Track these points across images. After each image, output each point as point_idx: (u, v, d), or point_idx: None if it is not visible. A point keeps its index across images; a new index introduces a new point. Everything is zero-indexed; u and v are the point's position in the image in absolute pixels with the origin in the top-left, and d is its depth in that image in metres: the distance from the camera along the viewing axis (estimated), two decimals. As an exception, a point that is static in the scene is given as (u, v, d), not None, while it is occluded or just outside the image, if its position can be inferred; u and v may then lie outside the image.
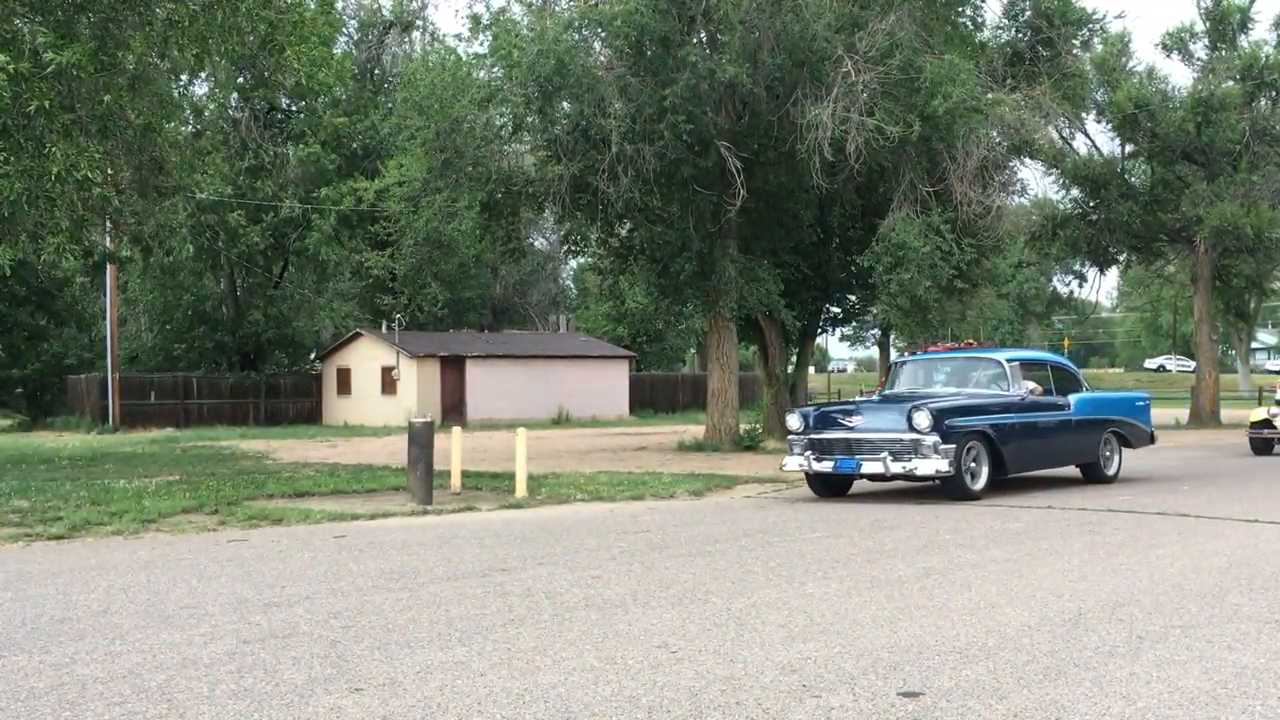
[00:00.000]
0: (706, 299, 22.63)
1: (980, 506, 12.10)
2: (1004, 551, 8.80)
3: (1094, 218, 32.44)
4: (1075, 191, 32.92)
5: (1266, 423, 20.59)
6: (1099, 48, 29.85)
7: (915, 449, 12.51)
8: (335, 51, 18.02)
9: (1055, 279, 66.73)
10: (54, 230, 14.22)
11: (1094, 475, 14.71)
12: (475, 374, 38.31)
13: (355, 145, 39.89)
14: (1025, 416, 13.59)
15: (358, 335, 40.53)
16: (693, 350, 59.20)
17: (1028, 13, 25.34)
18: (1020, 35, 25.49)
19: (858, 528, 10.40)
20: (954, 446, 12.48)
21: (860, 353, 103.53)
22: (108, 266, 33.46)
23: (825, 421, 13.39)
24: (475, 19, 20.37)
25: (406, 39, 45.34)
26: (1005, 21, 25.80)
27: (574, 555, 8.82)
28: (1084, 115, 30.83)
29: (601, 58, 20.66)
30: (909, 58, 19.15)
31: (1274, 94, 31.00)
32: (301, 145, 38.21)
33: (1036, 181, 52.47)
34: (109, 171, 15.09)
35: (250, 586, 7.47)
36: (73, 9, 13.46)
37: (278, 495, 13.67)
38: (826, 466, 13.10)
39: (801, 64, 19.47)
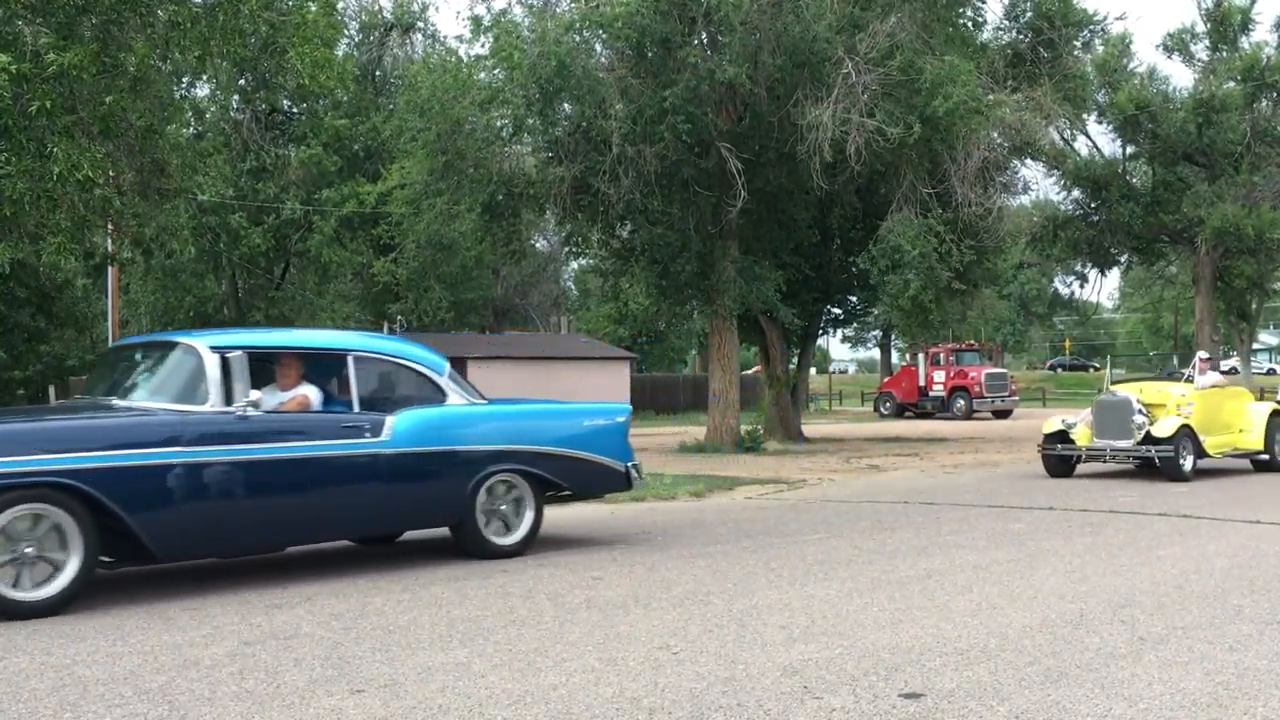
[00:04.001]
0: (707, 299, 22.64)
1: (982, 508, 12.07)
2: (1005, 553, 8.79)
3: (1095, 219, 32.44)
4: (1076, 192, 32.93)
5: (1062, 435, 15.88)
6: (1100, 49, 29.85)
7: None
8: (337, 54, 18.03)
9: (1056, 280, 66.70)
10: (55, 231, 14.22)
11: (469, 543, 8.67)
12: (477, 375, 38.21)
13: (357, 147, 39.93)
14: (228, 452, 7.37)
15: (359, 337, 40.49)
16: (694, 352, 59.24)
17: (1029, 14, 25.34)
18: (1021, 37, 25.48)
19: (859, 529, 10.40)
20: None
21: (862, 354, 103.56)
22: (109, 268, 33.47)
23: None
24: (476, 21, 20.38)
25: (408, 41, 45.42)
26: (1006, 23, 25.80)
27: (575, 556, 8.82)
28: (1085, 116, 30.82)
29: (603, 59, 20.67)
30: (909, 59, 19.16)
31: (1275, 95, 30.99)
32: (303, 147, 38.25)
33: (1038, 183, 52.60)
34: (111, 173, 15.09)
35: (252, 587, 7.47)
36: (74, 10, 13.46)
37: (279, 497, 13.64)
38: None
39: (802, 65, 19.47)
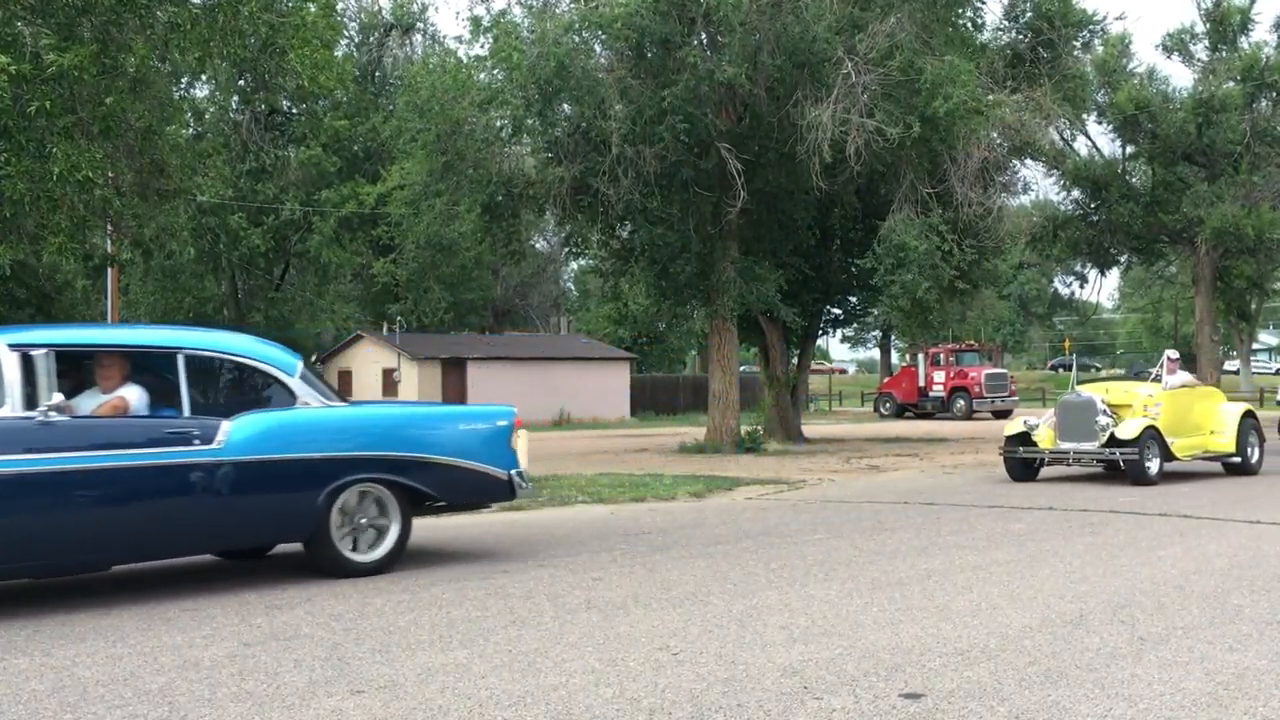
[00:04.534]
0: (707, 299, 22.66)
1: (982, 508, 12.07)
2: (1005, 553, 8.79)
3: (1095, 219, 32.45)
4: (1076, 193, 32.94)
5: (1024, 438, 15.20)
6: (1099, 49, 29.86)
7: None
8: (336, 54, 18.04)
9: (1056, 280, 66.79)
10: (55, 231, 14.24)
11: (323, 560, 7.91)
12: (476, 376, 38.33)
13: (356, 148, 39.97)
14: (25, 462, 6.67)
15: (359, 337, 40.59)
16: (694, 352, 59.26)
17: (1028, 14, 25.36)
18: (1021, 37, 25.50)
19: (859, 530, 10.40)
20: None
21: (861, 354, 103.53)
22: (109, 269, 33.49)
23: None
24: (476, 21, 20.40)
25: (407, 41, 45.47)
26: (1006, 23, 25.83)
27: (575, 557, 8.82)
28: (1085, 116, 30.83)
29: (602, 60, 20.69)
30: (909, 59, 19.17)
31: (1275, 95, 31.01)
32: (303, 148, 38.28)
33: (1038, 183, 52.70)
34: (110, 174, 15.10)
35: (251, 588, 7.47)
36: (74, 12, 13.47)
37: (279, 497, 13.63)
38: None
39: (802, 65, 19.48)
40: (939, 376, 41.37)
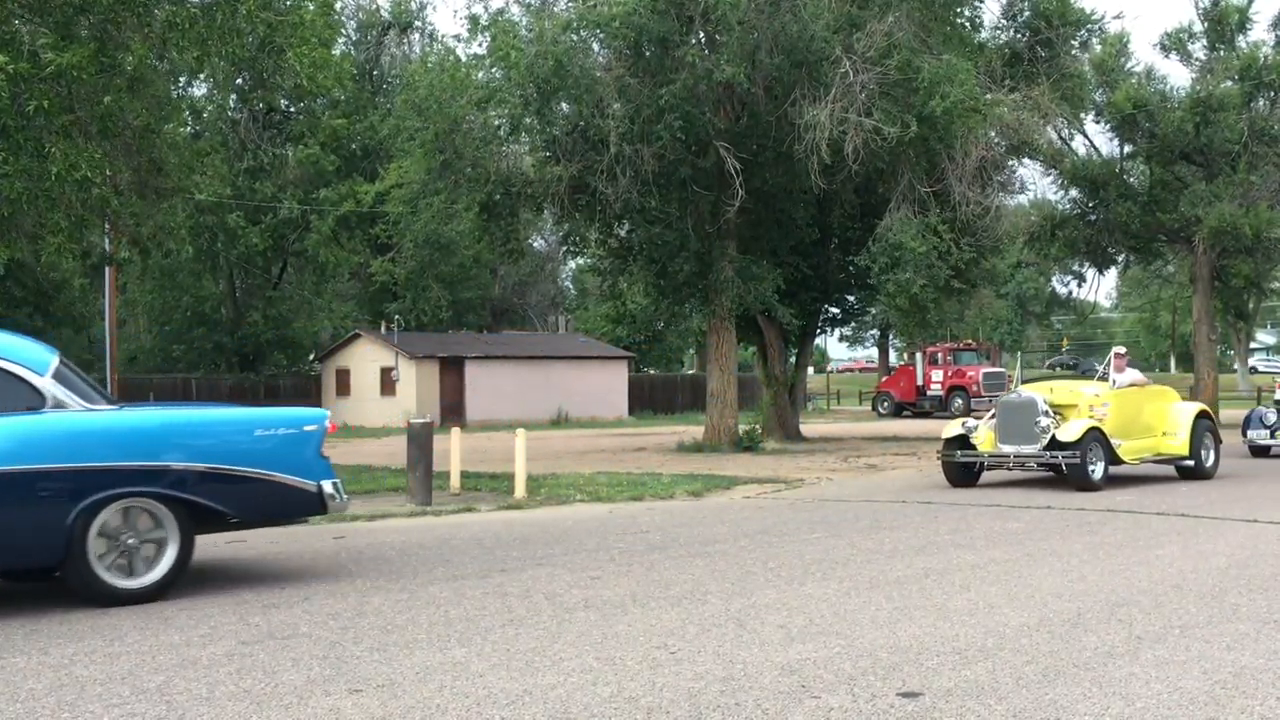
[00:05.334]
0: (705, 298, 22.66)
1: (980, 507, 12.08)
2: (1003, 552, 8.80)
3: (1093, 218, 32.44)
4: (1074, 192, 32.92)
5: (962, 440, 14.30)
6: (1097, 48, 29.86)
7: None
8: (334, 53, 18.04)
9: (1054, 279, 66.76)
10: (53, 230, 14.23)
11: (80, 587, 6.83)
12: (474, 375, 38.32)
13: (354, 146, 39.97)
14: None
15: (357, 336, 40.55)
16: (692, 351, 59.24)
17: (1026, 13, 25.37)
18: (1019, 36, 25.51)
19: (857, 529, 10.40)
20: None
21: (859, 353, 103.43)
22: (106, 268, 33.49)
23: None
24: (474, 20, 20.40)
25: (405, 40, 45.46)
26: (1004, 22, 25.84)
27: (573, 556, 8.82)
28: (1083, 116, 30.82)
29: (600, 59, 20.69)
30: (907, 58, 19.17)
31: (1272, 94, 31.00)
32: (301, 147, 38.27)
33: (1036, 182, 52.73)
34: (108, 173, 15.10)
35: (249, 587, 7.46)
36: (72, 10, 13.47)
37: (277, 496, 13.62)
38: None
39: (800, 64, 19.48)
40: (937, 375, 41.39)
